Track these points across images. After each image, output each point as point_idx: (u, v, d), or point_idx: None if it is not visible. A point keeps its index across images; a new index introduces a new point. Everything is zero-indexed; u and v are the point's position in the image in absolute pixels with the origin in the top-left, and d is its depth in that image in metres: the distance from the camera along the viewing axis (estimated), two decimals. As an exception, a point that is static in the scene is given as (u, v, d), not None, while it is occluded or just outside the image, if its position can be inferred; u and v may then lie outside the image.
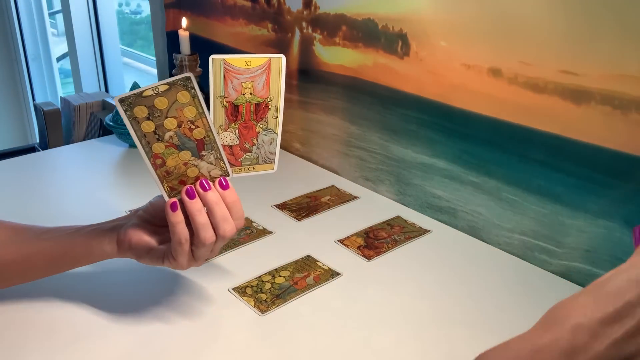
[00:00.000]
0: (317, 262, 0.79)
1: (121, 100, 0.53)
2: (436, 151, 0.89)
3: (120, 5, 2.76)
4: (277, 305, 0.70)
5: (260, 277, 0.75)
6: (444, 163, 0.88)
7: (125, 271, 0.75)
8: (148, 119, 0.54)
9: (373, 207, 0.96)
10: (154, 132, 0.55)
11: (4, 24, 2.64)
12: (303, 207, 0.94)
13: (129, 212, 0.66)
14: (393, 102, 0.93)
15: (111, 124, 1.16)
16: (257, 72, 0.57)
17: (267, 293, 0.72)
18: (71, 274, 0.72)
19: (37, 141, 1.78)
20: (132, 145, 1.19)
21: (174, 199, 0.57)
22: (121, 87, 2.29)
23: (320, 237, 0.85)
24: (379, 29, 0.90)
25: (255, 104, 0.58)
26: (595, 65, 0.67)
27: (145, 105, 0.54)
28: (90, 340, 0.63)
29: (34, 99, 2.79)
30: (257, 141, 0.60)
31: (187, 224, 0.57)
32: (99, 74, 2.28)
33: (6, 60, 2.70)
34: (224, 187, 0.59)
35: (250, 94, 0.57)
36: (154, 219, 0.61)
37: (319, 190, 1.01)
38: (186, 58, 1.08)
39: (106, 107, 1.51)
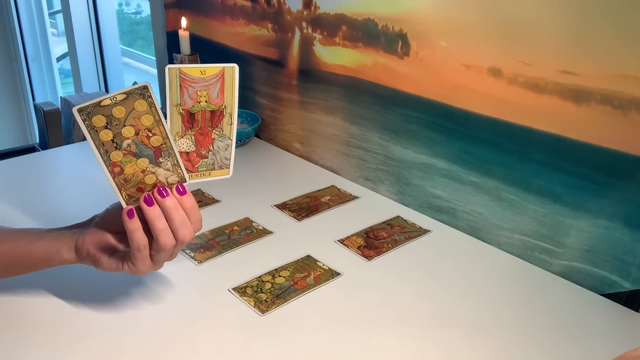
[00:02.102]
0: (317, 262, 0.79)
1: (80, 110, 0.54)
2: (436, 151, 0.89)
3: (120, 5, 2.76)
4: (277, 305, 0.70)
5: (260, 277, 0.75)
6: (444, 163, 0.88)
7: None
8: (106, 127, 0.55)
9: (373, 207, 0.96)
10: (112, 140, 0.56)
11: (4, 24, 2.65)
12: (303, 207, 0.94)
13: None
14: (393, 102, 0.93)
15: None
16: (211, 80, 0.59)
17: (267, 293, 0.72)
18: (70, 274, 0.72)
19: (37, 141, 1.78)
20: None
21: (130, 207, 0.57)
22: (121, 87, 2.28)
23: (320, 237, 0.85)
24: (379, 29, 0.90)
25: (211, 111, 0.60)
26: (595, 65, 0.67)
27: (103, 115, 0.55)
28: (90, 339, 0.63)
29: (34, 99, 2.79)
30: (213, 147, 0.61)
31: (145, 230, 0.58)
32: (99, 74, 2.28)
33: (6, 60, 2.70)
34: (182, 193, 0.59)
35: (206, 101, 0.59)
36: (111, 226, 0.61)
37: (319, 190, 1.01)
38: (186, 58, 1.08)
39: (106, 107, 1.50)
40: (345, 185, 1.03)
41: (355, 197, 0.98)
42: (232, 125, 0.62)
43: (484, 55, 0.78)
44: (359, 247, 0.83)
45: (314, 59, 1.04)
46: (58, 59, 2.77)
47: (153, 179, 0.59)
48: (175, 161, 0.59)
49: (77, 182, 1.04)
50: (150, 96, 0.56)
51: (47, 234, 0.64)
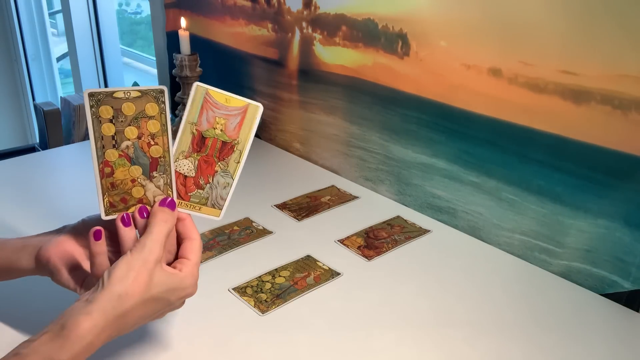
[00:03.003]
0: (317, 262, 0.79)
1: (91, 95, 0.52)
2: (436, 151, 0.89)
3: (120, 5, 2.76)
4: (277, 305, 0.70)
5: (260, 277, 0.75)
6: (444, 163, 0.88)
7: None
8: (110, 121, 0.53)
9: (373, 207, 0.96)
10: (113, 137, 0.53)
11: (4, 24, 2.65)
12: (303, 207, 0.94)
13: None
14: (393, 102, 0.93)
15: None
16: (233, 111, 0.57)
17: (267, 293, 0.72)
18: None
19: (37, 141, 1.78)
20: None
21: (99, 228, 0.53)
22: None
23: (320, 237, 0.85)
24: (379, 29, 0.90)
25: (223, 141, 0.58)
26: (595, 65, 0.67)
27: (112, 107, 0.53)
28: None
29: (34, 99, 2.79)
30: (213, 180, 0.58)
31: (114, 250, 0.55)
32: (99, 74, 2.28)
33: (6, 60, 2.70)
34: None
35: (221, 130, 0.57)
36: (83, 240, 0.58)
37: (319, 190, 1.01)
38: (186, 58, 1.08)
39: (106, 107, 1.51)
40: (345, 185, 1.03)
41: (355, 197, 0.98)
42: (238, 164, 0.59)
43: (484, 55, 0.78)
44: (359, 247, 0.83)
45: (314, 59, 1.04)
46: (58, 59, 2.77)
47: (140, 193, 0.56)
48: (169, 181, 0.56)
49: (77, 182, 1.04)
50: (163, 102, 0.54)
51: (10, 242, 0.60)
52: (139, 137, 0.54)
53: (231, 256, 0.80)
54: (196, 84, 0.56)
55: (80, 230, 0.58)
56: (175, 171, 0.57)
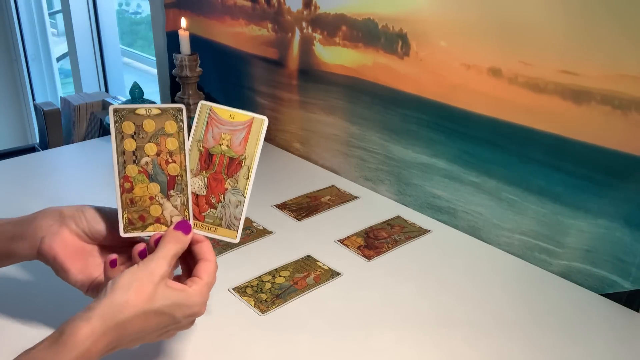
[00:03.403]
0: (317, 262, 0.79)
1: (116, 111, 0.54)
2: (436, 151, 0.89)
3: (120, 5, 2.76)
4: (277, 305, 0.70)
5: (260, 277, 0.75)
6: (444, 163, 0.88)
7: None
8: (132, 137, 0.55)
9: (373, 207, 0.96)
10: (133, 152, 0.55)
11: (4, 24, 2.65)
12: (303, 207, 0.94)
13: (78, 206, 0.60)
14: (393, 102, 0.93)
15: (111, 124, 1.16)
16: (238, 126, 0.58)
17: (267, 293, 0.72)
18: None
19: (37, 141, 1.78)
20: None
21: (114, 257, 0.54)
22: (121, 87, 2.29)
23: (320, 237, 0.85)
24: (379, 29, 0.90)
25: (230, 158, 0.58)
26: (595, 65, 0.67)
27: (134, 123, 0.55)
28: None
29: (34, 99, 2.79)
30: (224, 199, 0.58)
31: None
32: (99, 74, 2.28)
33: (6, 60, 2.70)
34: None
35: (227, 146, 0.58)
36: (87, 238, 0.58)
37: (319, 190, 1.01)
38: (186, 58, 1.08)
39: (106, 107, 1.51)
40: (345, 185, 1.03)
41: (355, 197, 0.98)
42: (248, 180, 0.58)
43: (484, 55, 0.78)
44: (359, 247, 0.83)
45: (314, 59, 1.04)
46: (58, 59, 2.78)
47: (158, 212, 0.56)
48: (186, 201, 0.57)
49: (77, 182, 1.04)
50: (182, 120, 0.55)
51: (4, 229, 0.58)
52: (157, 154, 0.56)
53: (231, 256, 0.80)
54: (201, 102, 0.57)
55: (85, 229, 0.58)
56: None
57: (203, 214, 0.58)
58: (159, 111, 0.55)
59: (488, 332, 0.66)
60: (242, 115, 0.57)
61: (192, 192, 0.57)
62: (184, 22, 1.08)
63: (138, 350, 0.62)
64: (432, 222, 0.91)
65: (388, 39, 0.89)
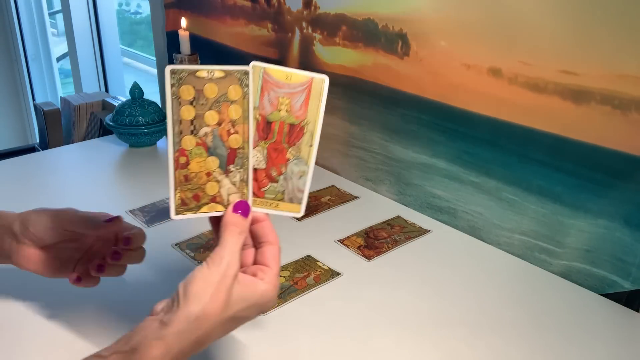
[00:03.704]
0: (317, 262, 0.79)
1: (173, 72, 0.47)
2: (436, 151, 0.89)
3: (120, 5, 2.76)
4: (277, 305, 0.70)
5: (260, 277, 0.75)
6: (444, 163, 0.88)
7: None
8: (191, 103, 0.48)
9: (373, 207, 0.96)
10: (192, 121, 0.48)
11: (4, 24, 2.65)
12: (303, 207, 0.94)
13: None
14: (393, 102, 0.93)
15: (111, 123, 1.16)
16: (297, 88, 0.51)
17: (267, 293, 0.72)
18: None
19: (37, 141, 1.78)
20: (132, 145, 1.19)
21: (75, 276, 0.57)
22: (121, 87, 2.30)
23: (320, 237, 0.85)
24: (379, 29, 0.90)
25: (290, 124, 0.51)
26: (595, 65, 0.67)
27: (194, 87, 0.47)
28: (89, 341, 0.63)
29: (34, 99, 2.79)
30: (286, 170, 0.52)
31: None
32: (99, 74, 2.28)
33: (6, 60, 2.70)
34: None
35: (287, 111, 0.51)
36: (44, 242, 0.59)
37: (319, 190, 1.01)
38: (186, 58, 1.08)
39: (106, 107, 1.51)
40: (345, 185, 1.03)
41: (355, 197, 0.98)
42: (311, 147, 0.52)
43: (484, 55, 0.78)
44: (359, 247, 0.83)
45: (314, 59, 1.04)
46: (58, 59, 2.78)
47: (215, 190, 0.50)
48: (245, 177, 0.50)
49: (77, 182, 1.04)
50: (247, 85, 0.48)
51: None
52: (218, 124, 0.49)
53: (231, 256, 0.80)
54: (252, 63, 0.50)
55: (34, 236, 0.58)
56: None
57: (263, 189, 0.52)
58: (222, 74, 0.48)
59: (488, 332, 0.66)
60: (299, 75, 0.51)
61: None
62: (184, 22, 1.08)
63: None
64: (432, 222, 0.91)
65: (388, 39, 0.89)
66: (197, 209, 0.50)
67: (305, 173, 0.52)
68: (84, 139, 1.48)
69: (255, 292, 0.48)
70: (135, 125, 1.14)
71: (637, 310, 0.71)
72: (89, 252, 0.61)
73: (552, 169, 0.75)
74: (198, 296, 0.45)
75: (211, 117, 0.48)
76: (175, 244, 0.82)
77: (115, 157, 1.14)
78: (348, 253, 0.82)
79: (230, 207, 0.50)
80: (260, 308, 0.49)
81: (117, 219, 0.59)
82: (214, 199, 0.50)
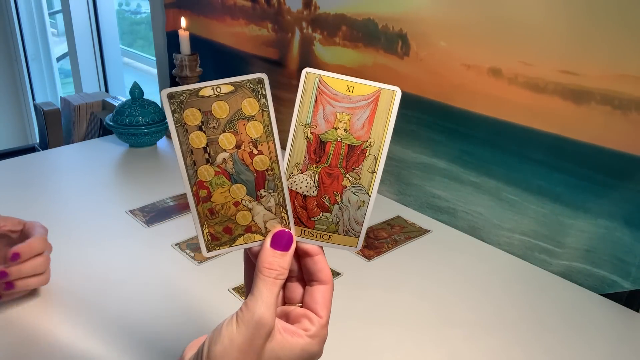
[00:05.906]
0: (317, 262, 0.78)
1: (170, 97, 0.39)
2: (436, 151, 0.89)
3: (120, 5, 2.76)
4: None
5: (260, 277, 0.75)
6: (444, 163, 0.88)
7: (123, 268, 0.75)
8: (200, 129, 0.40)
9: (373, 207, 0.95)
10: (205, 149, 0.41)
11: (4, 24, 2.65)
12: (303, 207, 0.94)
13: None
14: (393, 102, 0.93)
15: (111, 124, 1.16)
16: (359, 102, 0.43)
17: (267, 293, 0.72)
18: (69, 273, 0.72)
19: (37, 141, 1.78)
20: (132, 145, 1.19)
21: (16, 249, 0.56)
22: (121, 87, 2.30)
23: (320, 237, 0.85)
24: (379, 29, 0.90)
25: (349, 145, 0.43)
26: (595, 65, 0.67)
27: (199, 109, 0.40)
28: (89, 340, 0.63)
29: (34, 99, 2.79)
30: (342, 199, 0.45)
31: None
32: (99, 74, 2.28)
33: (6, 60, 2.70)
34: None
35: (345, 130, 0.43)
36: None
37: (319, 190, 1.00)
38: (186, 58, 1.08)
39: (106, 107, 1.51)
40: (345, 185, 1.03)
41: (355, 197, 0.98)
42: (374, 174, 0.44)
43: (484, 55, 0.78)
44: (359, 247, 0.83)
45: (314, 59, 1.04)
46: (58, 59, 2.78)
47: (248, 219, 0.43)
48: (281, 200, 0.43)
49: (77, 182, 1.04)
50: (264, 95, 0.41)
51: None
52: (237, 147, 0.42)
53: (231, 256, 0.80)
54: (305, 70, 0.42)
55: None
56: (290, 190, 0.44)
57: (313, 218, 0.45)
58: (231, 88, 0.41)
59: (488, 332, 0.66)
60: (364, 86, 0.43)
61: (298, 193, 0.44)
62: (184, 22, 1.08)
63: (139, 351, 0.62)
64: (432, 222, 0.91)
65: (388, 39, 0.89)
66: (231, 242, 0.44)
67: (365, 203, 0.46)
68: (84, 139, 1.48)
69: (293, 350, 0.41)
70: (135, 125, 1.14)
71: (637, 310, 0.71)
72: None
73: (552, 169, 0.75)
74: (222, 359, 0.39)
75: (227, 140, 0.41)
76: (175, 244, 0.82)
77: (115, 157, 1.14)
78: (348, 253, 0.82)
79: (268, 240, 0.43)
80: None
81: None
82: (248, 229, 0.43)
